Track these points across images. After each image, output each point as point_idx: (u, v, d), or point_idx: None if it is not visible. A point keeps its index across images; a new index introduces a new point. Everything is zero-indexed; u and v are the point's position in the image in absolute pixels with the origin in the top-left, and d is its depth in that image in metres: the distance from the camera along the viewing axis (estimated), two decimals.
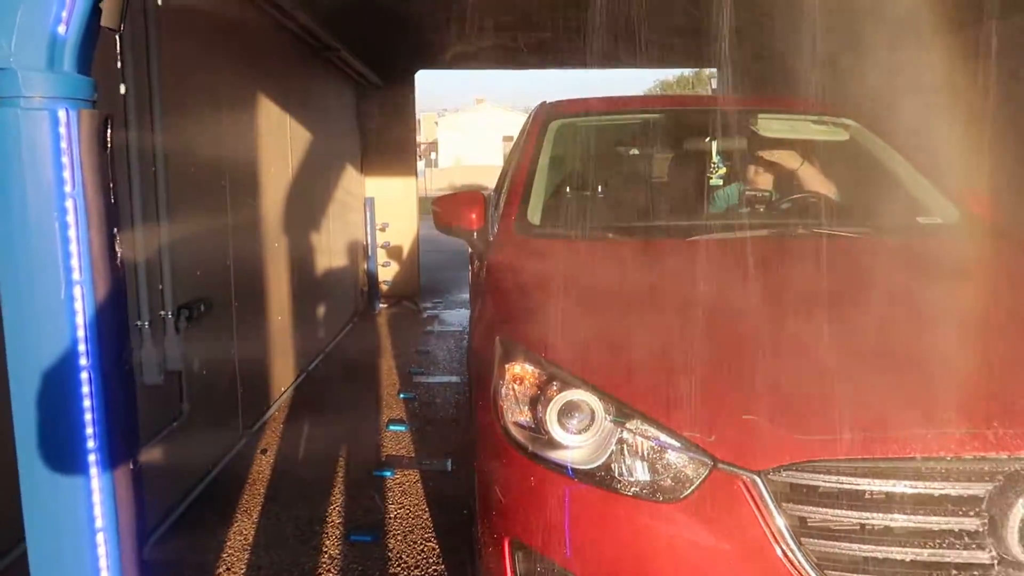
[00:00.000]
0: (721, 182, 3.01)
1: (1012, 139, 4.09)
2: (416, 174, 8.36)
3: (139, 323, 2.71)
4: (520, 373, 1.58)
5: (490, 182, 4.75)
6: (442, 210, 2.76)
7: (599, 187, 2.87)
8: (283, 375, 4.48)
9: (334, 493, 3.22)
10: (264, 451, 3.68)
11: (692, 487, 1.33)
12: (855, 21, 4.06)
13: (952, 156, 3.22)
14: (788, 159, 2.95)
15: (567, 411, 1.46)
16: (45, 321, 1.12)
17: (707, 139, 2.95)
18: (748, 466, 1.29)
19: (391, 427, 4.00)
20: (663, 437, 1.37)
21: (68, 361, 1.13)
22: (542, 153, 2.78)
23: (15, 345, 1.13)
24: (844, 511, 1.26)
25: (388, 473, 3.40)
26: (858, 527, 1.27)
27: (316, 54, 5.65)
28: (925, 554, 1.24)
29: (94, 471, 1.16)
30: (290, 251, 4.68)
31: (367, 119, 7.71)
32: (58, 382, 1.13)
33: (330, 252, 5.95)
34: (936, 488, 1.24)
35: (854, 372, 1.39)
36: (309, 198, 5.38)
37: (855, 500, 1.27)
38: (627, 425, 1.40)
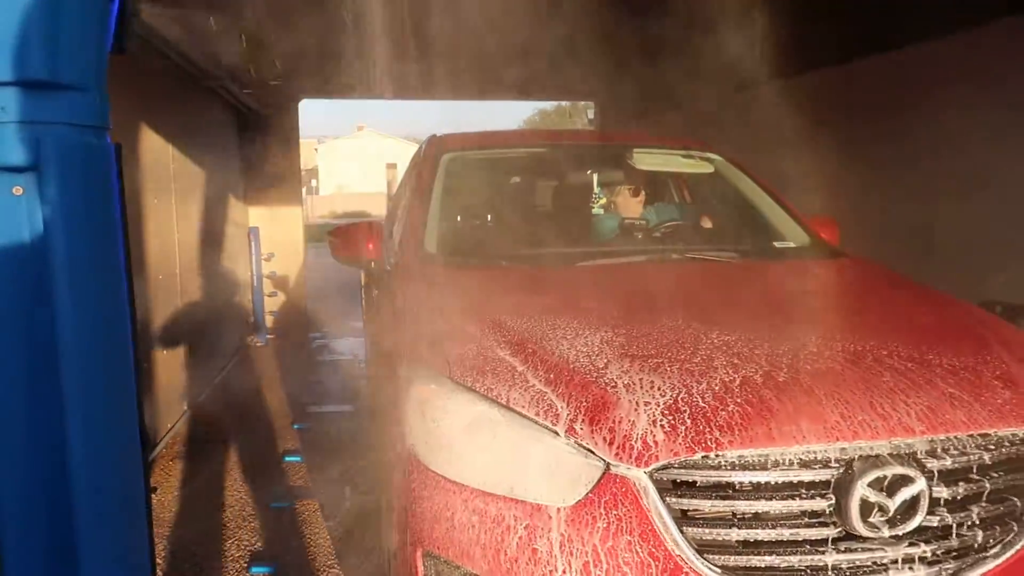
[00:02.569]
0: (602, 211, 3.25)
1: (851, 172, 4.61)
2: (301, 203, 8.29)
3: None
4: (425, 393, 1.70)
5: (373, 209, 4.85)
6: (339, 240, 2.84)
7: (491, 217, 3.04)
8: (169, 411, 4.35)
9: (230, 527, 3.19)
10: (154, 490, 3.58)
11: (587, 488, 1.48)
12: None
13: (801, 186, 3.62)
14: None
15: (471, 426, 1.59)
16: None
17: (588, 172, 3.18)
18: (637, 466, 1.45)
19: (287, 458, 3.98)
20: (560, 444, 1.52)
21: None
22: (435, 184, 2.91)
23: None
24: (718, 501, 1.45)
25: (285, 504, 3.40)
26: (730, 514, 1.46)
27: (197, 83, 5.57)
28: (786, 534, 1.45)
29: None
30: (171, 284, 4.57)
31: (250, 147, 7.61)
32: None
33: (214, 284, 5.82)
34: (792, 476, 1.45)
35: (720, 377, 1.59)
36: (192, 229, 5.27)
37: (726, 491, 1.46)
38: (526, 434, 1.55)
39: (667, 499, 1.45)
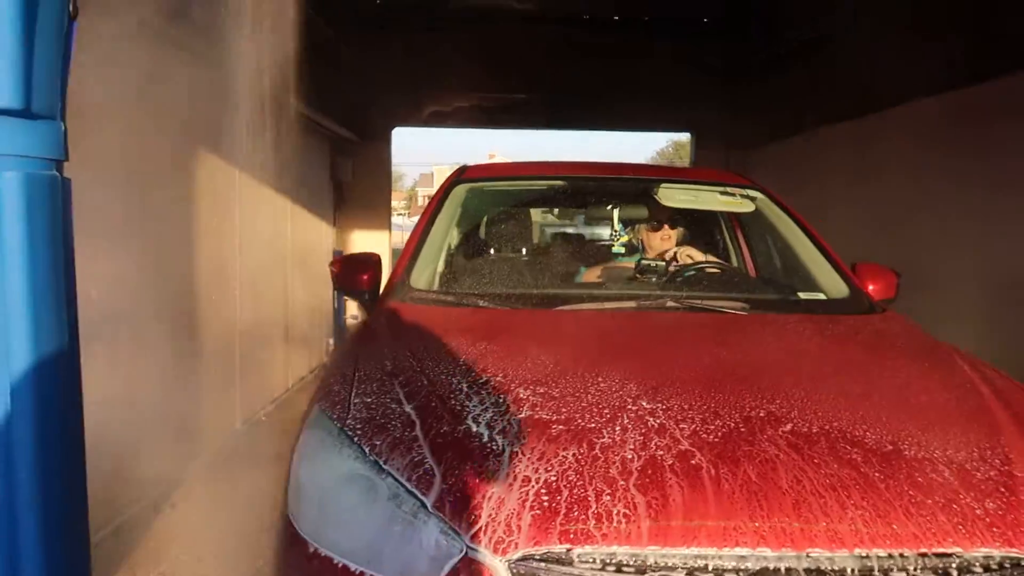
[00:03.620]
0: (623, 249, 3.01)
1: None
2: (390, 228, 8.43)
3: None
4: (309, 441, 1.56)
5: None
6: (338, 271, 2.77)
7: (492, 252, 2.88)
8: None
9: None
10: None
11: (445, 569, 1.28)
12: None
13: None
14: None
15: (340, 484, 1.43)
16: None
17: (608, 207, 2.96)
18: (495, 553, 1.24)
19: None
20: (424, 518, 1.33)
21: None
22: (440, 216, 2.79)
23: None
24: None
25: None
26: None
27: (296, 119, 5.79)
28: None
29: None
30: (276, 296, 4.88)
31: (341, 173, 7.83)
32: None
33: (299, 304, 6.06)
34: None
35: (624, 456, 1.35)
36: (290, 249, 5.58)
37: None
38: (393, 503, 1.37)
39: None
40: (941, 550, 1.21)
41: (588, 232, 3.77)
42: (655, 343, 1.92)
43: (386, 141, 8.13)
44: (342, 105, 6.93)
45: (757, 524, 1.21)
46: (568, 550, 1.21)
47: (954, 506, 1.28)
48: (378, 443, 1.48)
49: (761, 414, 1.50)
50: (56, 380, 1.16)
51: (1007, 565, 1.22)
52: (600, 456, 1.36)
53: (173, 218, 3.89)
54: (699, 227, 3.31)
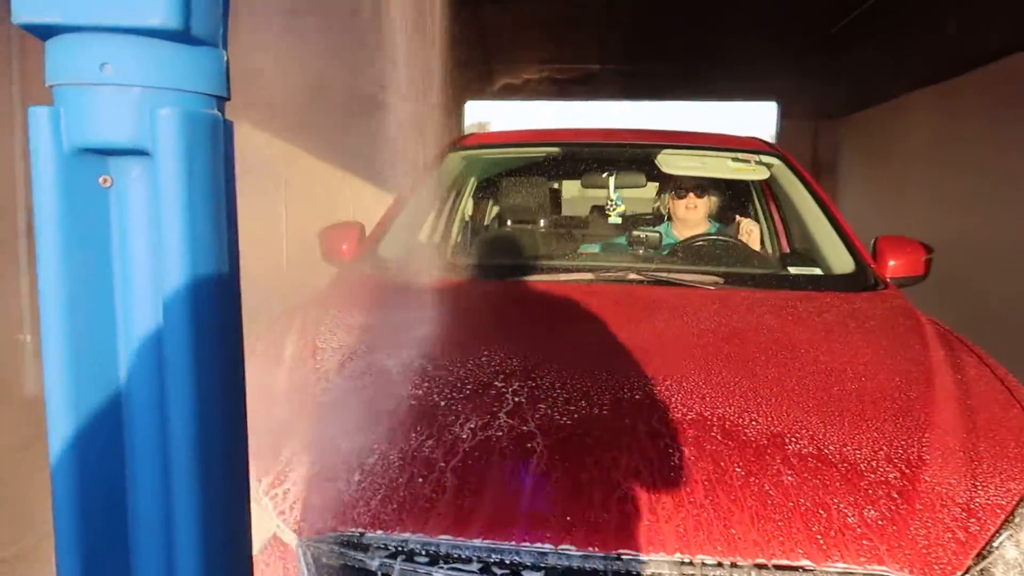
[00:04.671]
0: (620, 220, 2.82)
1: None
2: None
3: None
4: None
5: None
6: (323, 239, 2.74)
7: (477, 222, 2.77)
8: None
9: None
10: None
11: (258, 549, 1.22)
12: None
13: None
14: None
15: None
16: None
17: (605, 175, 2.77)
18: (296, 534, 1.16)
19: None
20: (259, 494, 1.27)
21: None
22: (429, 184, 2.71)
23: None
24: None
25: None
26: None
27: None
28: None
29: None
30: None
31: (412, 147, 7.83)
32: None
33: None
34: None
35: (477, 442, 1.23)
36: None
37: None
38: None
39: None
40: (784, 562, 1.03)
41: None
42: (578, 319, 1.76)
43: (458, 115, 8.12)
44: None
45: (568, 519, 1.07)
46: (361, 535, 1.12)
47: (820, 512, 1.09)
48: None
49: (637, 397, 1.34)
50: (219, 345, 0.92)
51: None
52: (434, 437, 1.25)
53: None
54: (730, 196, 3.07)
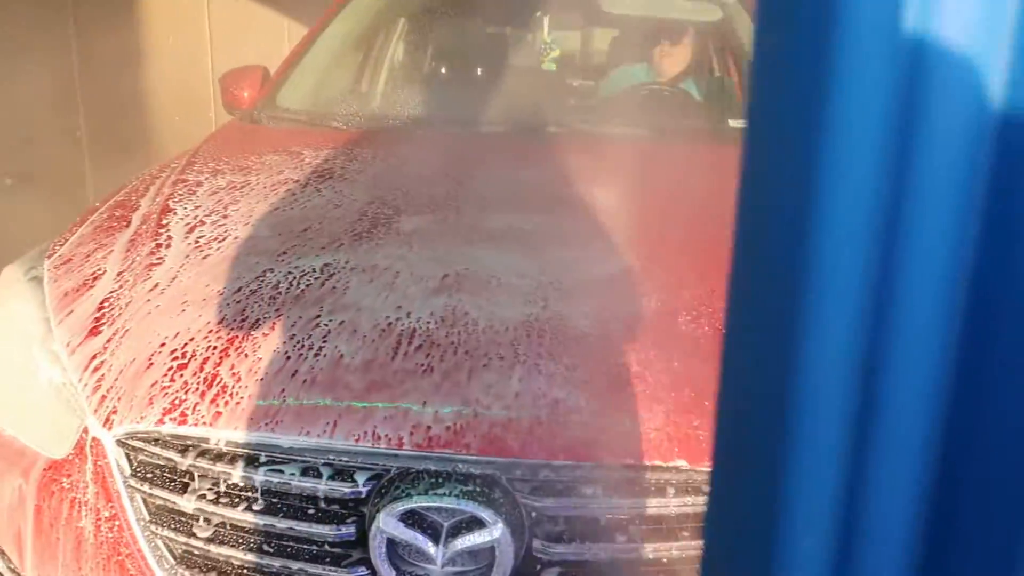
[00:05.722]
0: (555, 66, 2.54)
1: None
2: None
3: None
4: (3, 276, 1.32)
5: None
6: (224, 86, 2.44)
7: (390, 68, 2.48)
8: None
9: None
10: None
11: (70, 445, 1.05)
12: None
13: None
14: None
15: None
16: None
17: (537, 15, 2.47)
18: (105, 427, 1.00)
19: None
20: (60, 375, 1.09)
21: None
22: (341, 21, 2.38)
23: None
24: (204, 501, 0.96)
25: None
26: (226, 524, 0.97)
27: None
28: (294, 567, 0.94)
29: None
30: None
31: None
32: None
33: None
34: (311, 483, 0.92)
35: (304, 322, 1.04)
36: None
37: (213, 486, 0.96)
38: (38, 354, 1.13)
39: (134, 483, 0.99)
40: (658, 463, 0.89)
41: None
42: (447, 176, 1.52)
43: None
44: None
45: (398, 415, 0.91)
46: (161, 429, 0.95)
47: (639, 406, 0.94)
48: (65, 284, 1.23)
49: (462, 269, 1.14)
50: None
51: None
52: (267, 322, 1.06)
53: None
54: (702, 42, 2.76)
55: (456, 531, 0.88)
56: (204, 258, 1.22)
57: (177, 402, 0.96)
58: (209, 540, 0.95)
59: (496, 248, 1.20)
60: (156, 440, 0.97)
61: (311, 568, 0.92)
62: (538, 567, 0.90)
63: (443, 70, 2.44)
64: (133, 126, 3.76)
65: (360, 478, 0.90)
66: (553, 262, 1.16)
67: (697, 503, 0.89)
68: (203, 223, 1.33)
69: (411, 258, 1.17)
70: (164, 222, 1.35)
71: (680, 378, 0.95)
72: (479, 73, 2.36)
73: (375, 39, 2.45)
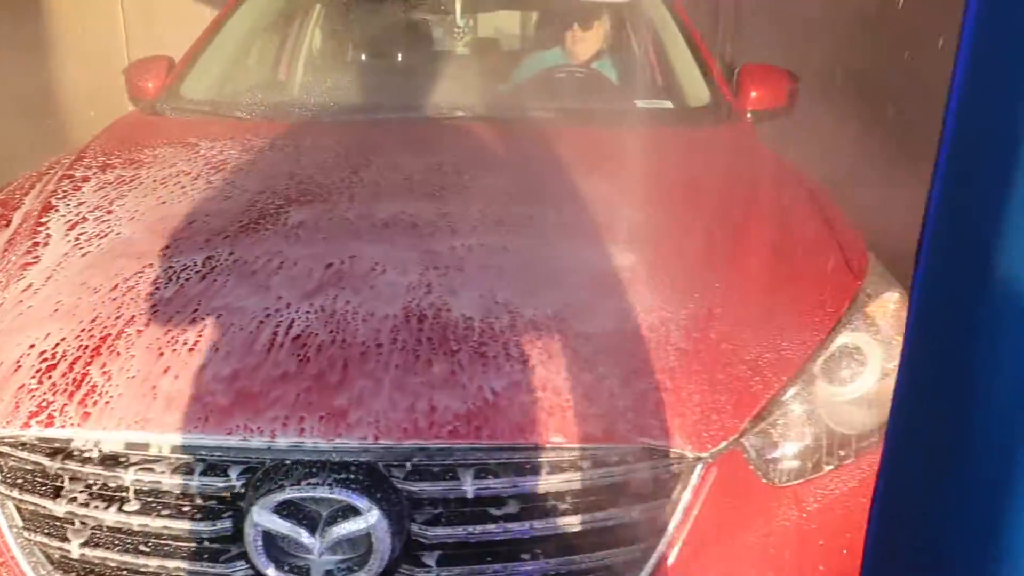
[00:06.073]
0: (467, 50, 2.53)
1: None
2: None
3: None
4: None
5: None
6: (129, 77, 2.37)
7: (304, 55, 2.44)
8: None
9: None
10: None
11: None
12: None
13: None
14: None
15: None
16: None
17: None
18: None
19: None
20: None
21: None
22: (239, 10, 2.32)
23: None
24: (74, 504, 0.93)
25: None
26: (95, 524, 0.95)
27: None
28: (172, 566, 0.92)
29: None
30: None
31: None
32: None
33: None
34: (184, 480, 0.91)
35: (181, 319, 1.03)
36: None
37: (88, 487, 0.94)
38: None
39: (4, 489, 0.96)
40: (529, 444, 0.90)
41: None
42: (360, 162, 1.51)
43: None
44: None
45: (273, 407, 0.90)
46: (27, 433, 0.93)
47: (577, 383, 0.95)
48: None
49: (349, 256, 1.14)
50: None
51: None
52: (143, 317, 1.04)
53: None
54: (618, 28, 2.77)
55: (333, 520, 0.88)
56: (83, 256, 1.19)
57: (44, 404, 0.93)
58: (85, 544, 0.93)
59: (383, 237, 1.19)
60: (24, 444, 0.94)
61: (189, 566, 0.91)
62: (419, 551, 0.90)
63: (349, 57, 2.41)
64: (39, 124, 3.62)
65: (233, 472, 0.89)
66: (440, 250, 1.16)
67: (573, 479, 0.91)
68: (85, 220, 1.30)
69: (295, 249, 1.15)
70: (44, 220, 1.30)
71: (553, 357, 0.96)
72: (386, 60, 2.34)
73: (281, 26, 2.40)
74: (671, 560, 0.94)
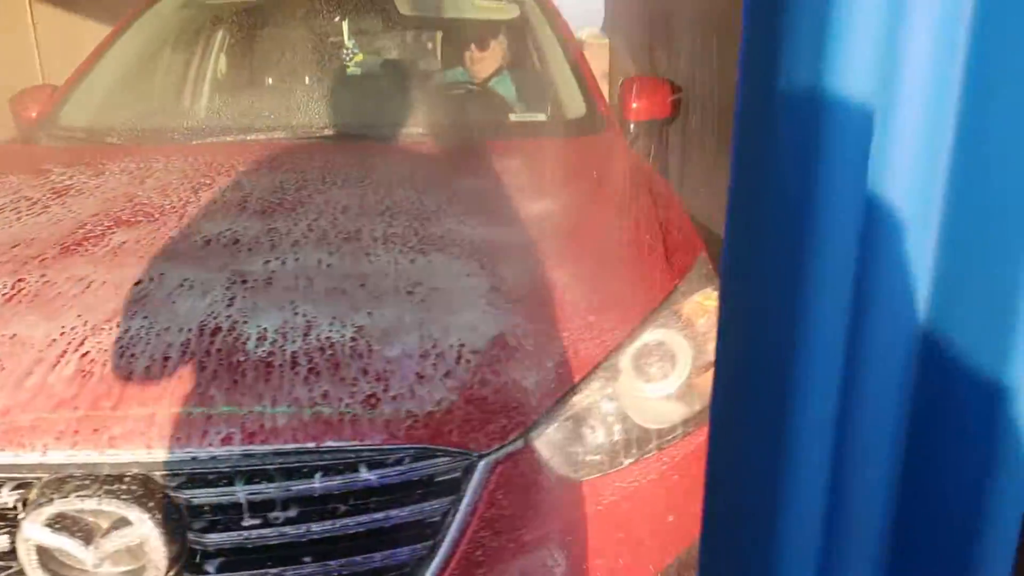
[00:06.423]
0: (359, 71, 2.57)
1: None
2: None
3: None
4: None
5: None
6: (14, 107, 2.36)
7: (190, 80, 2.46)
8: None
9: None
10: None
11: None
12: None
13: None
14: None
15: None
16: None
17: (336, 19, 2.48)
18: None
19: None
20: None
21: None
22: (128, 33, 2.33)
23: None
24: None
25: None
26: None
27: None
28: None
29: None
30: None
31: None
32: None
33: None
34: None
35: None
36: None
37: None
38: None
39: None
40: (295, 447, 0.92)
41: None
42: (202, 184, 1.52)
43: None
44: None
45: (72, 423, 0.91)
46: None
47: (352, 385, 0.97)
48: None
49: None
50: None
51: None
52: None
53: None
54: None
55: (108, 532, 0.89)
56: None
57: None
58: None
59: (200, 255, 1.21)
60: None
61: None
62: (198, 558, 0.92)
63: (220, 80, 2.43)
64: None
65: (6, 488, 0.90)
66: (253, 266, 1.18)
67: (350, 481, 0.93)
68: None
69: (107, 270, 1.16)
70: None
71: (341, 364, 0.99)
72: (258, 82, 2.36)
73: (161, 53, 2.42)
74: (457, 557, 0.96)
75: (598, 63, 11.55)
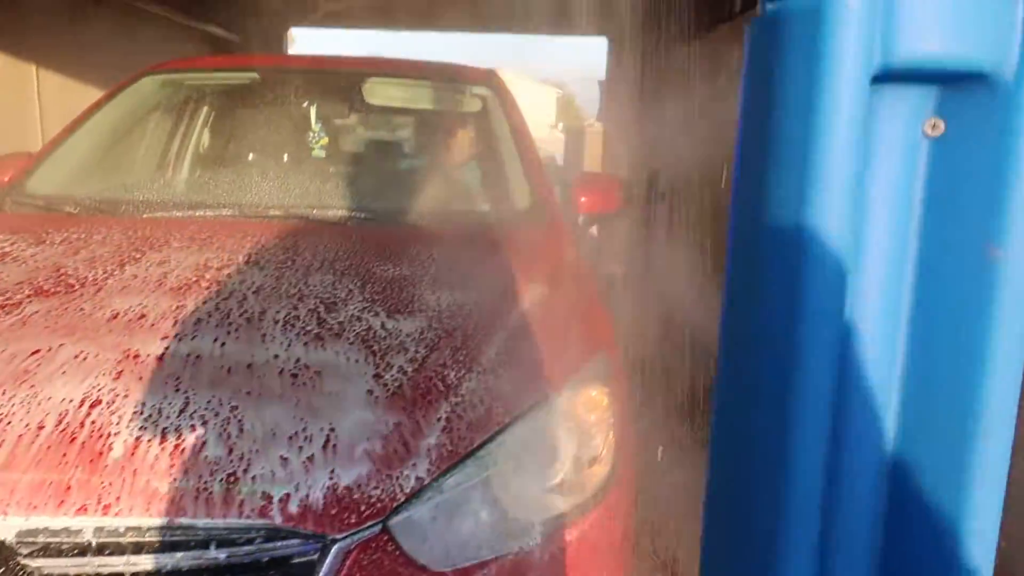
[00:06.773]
0: (324, 154, 2.68)
1: None
2: None
3: None
4: None
5: None
6: None
7: (161, 155, 2.57)
8: None
9: None
10: None
11: None
12: None
13: None
14: None
15: None
16: None
17: (304, 104, 2.61)
18: None
19: None
20: None
21: None
22: (105, 109, 2.45)
23: None
24: None
25: None
26: None
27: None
28: None
29: None
30: None
31: None
32: None
33: None
34: None
35: None
36: None
37: None
38: None
39: None
40: (135, 522, 0.95)
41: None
42: (131, 258, 1.58)
43: (280, 43, 7.65)
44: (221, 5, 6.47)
45: None
46: None
47: (215, 461, 1.01)
48: None
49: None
50: None
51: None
52: None
53: None
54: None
55: None
56: None
57: None
58: None
59: (101, 328, 1.26)
60: None
61: None
62: None
63: (178, 156, 2.54)
64: None
65: None
66: (149, 343, 1.23)
67: (199, 557, 0.96)
68: None
69: (10, 339, 1.22)
70: None
71: (207, 439, 1.03)
72: (218, 161, 2.47)
73: (130, 129, 2.53)
74: None
75: (595, 148, 11.95)
